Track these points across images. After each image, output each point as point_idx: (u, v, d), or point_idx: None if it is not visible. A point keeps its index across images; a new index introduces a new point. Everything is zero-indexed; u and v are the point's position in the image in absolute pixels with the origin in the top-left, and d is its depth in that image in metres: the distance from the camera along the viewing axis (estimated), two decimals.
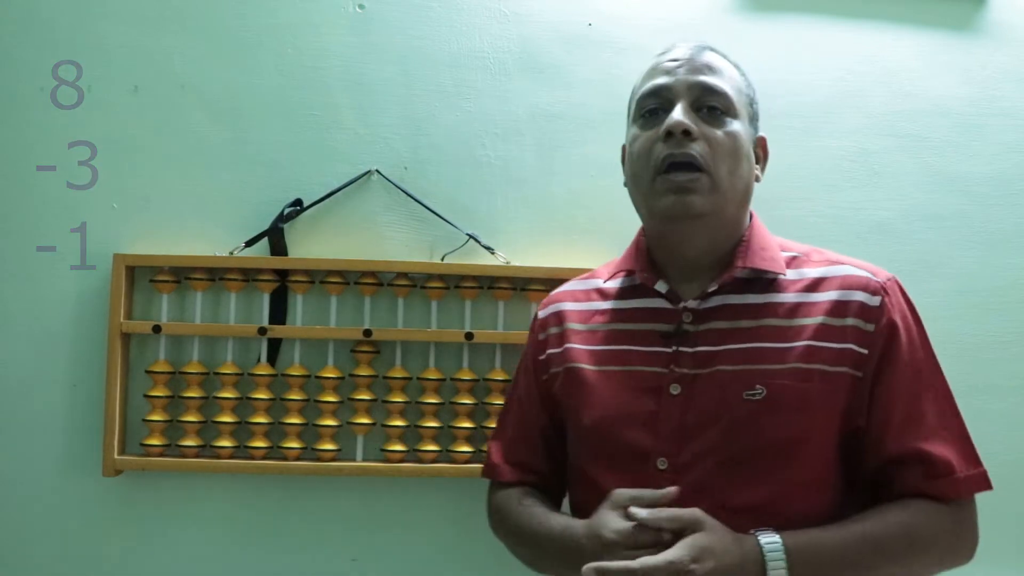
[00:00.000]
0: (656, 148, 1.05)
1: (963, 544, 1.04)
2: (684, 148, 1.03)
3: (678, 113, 1.04)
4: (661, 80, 1.07)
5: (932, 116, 1.55)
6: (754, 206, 1.47)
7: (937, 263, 1.54)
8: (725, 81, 1.07)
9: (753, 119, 1.11)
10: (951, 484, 1.01)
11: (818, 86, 1.54)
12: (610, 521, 0.97)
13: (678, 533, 0.93)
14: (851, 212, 1.54)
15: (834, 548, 0.96)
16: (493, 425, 1.38)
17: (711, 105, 1.05)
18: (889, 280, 1.07)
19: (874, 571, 0.98)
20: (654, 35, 1.51)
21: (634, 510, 0.95)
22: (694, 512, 0.95)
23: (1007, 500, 1.52)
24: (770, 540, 0.94)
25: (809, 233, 1.51)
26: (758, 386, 1.01)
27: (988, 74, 1.56)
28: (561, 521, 1.06)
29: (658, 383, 1.05)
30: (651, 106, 1.08)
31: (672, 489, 0.97)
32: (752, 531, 0.96)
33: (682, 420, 1.03)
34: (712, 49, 1.11)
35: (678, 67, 1.07)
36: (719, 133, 1.04)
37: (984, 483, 1.03)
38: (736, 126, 1.06)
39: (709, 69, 1.07)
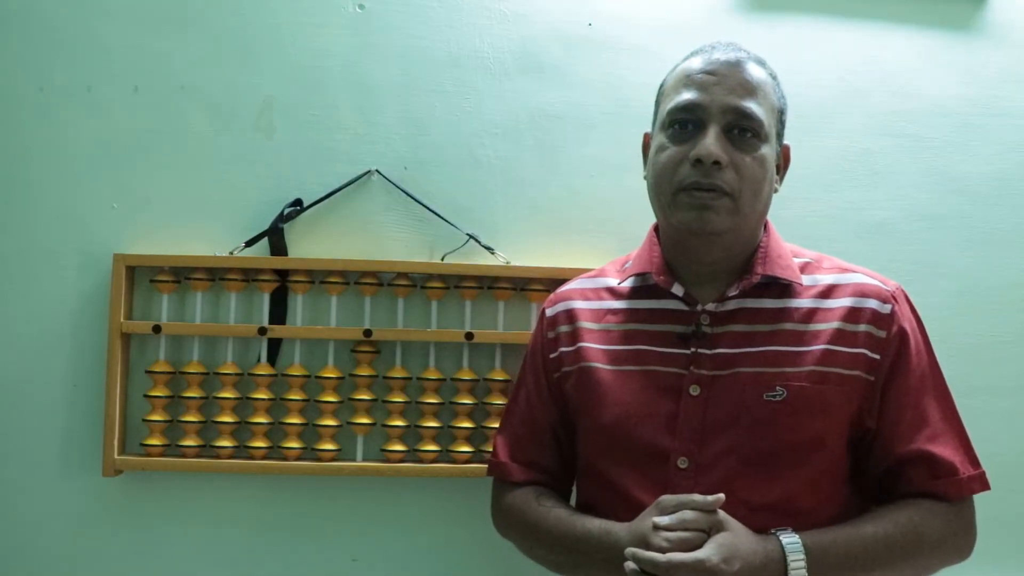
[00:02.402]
0: (683, 167, 1.06)
1: (965, 542, 1.08)
2: (711, 178, 1.04)
3: (711, 141, 1.04)
4: (696, 96, 1.06)
5: (932, 116, 1.55)
6: None
7: (937, 263, 1.54)
8: (760, 103, 1.07)
9: (781, 133, 1.12)
10: (955, 484, 1.06)
11: (818, 86, 1.54)
12: (662, 526, 0.97)
13: (710, 528, 0.97)
14: (851, 212, 1.54)
15: (849, 547, 1.00)
16: (493, 425, 1.38)
17: (743, 128, 1.06)
18: (897, 289, 1.11)
19: (885, 568, 1.02)
20: (654, 35, 1.51)
21: (657, 519, 0.98)
22: (716, 515, 0.98)
23: (1007, 500, 1.52)
24: (790, 540, 0.98)
25: (809, 233, 1.51)
26: (778, 388, 1.05)
27: (988, 74, 1.56)
28: (598, 524, 1.07)
29: (677, 383, 1.08)
30: (682, 119, 1.07)
31: (719, 496, 0.98)
32: (772, 531, 1.00)
33: (703, 420, 1.06)
34: (753, 60, 1.10)
35: (715, 83, 1.06)
36: (748, 160, 1.06)
37: (984, 483, 1.08)
38: (764, 150, 1.08)
39: (746, 90, 1.06)
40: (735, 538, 0.96)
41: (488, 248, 1.47)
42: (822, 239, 1.51)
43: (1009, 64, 1.57)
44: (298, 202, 1.46)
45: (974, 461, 1.08)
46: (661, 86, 1.15)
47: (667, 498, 1.00)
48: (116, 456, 1.39)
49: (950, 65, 1.56)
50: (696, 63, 1.09)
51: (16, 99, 1.45)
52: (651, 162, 1.12)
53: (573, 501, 1.22)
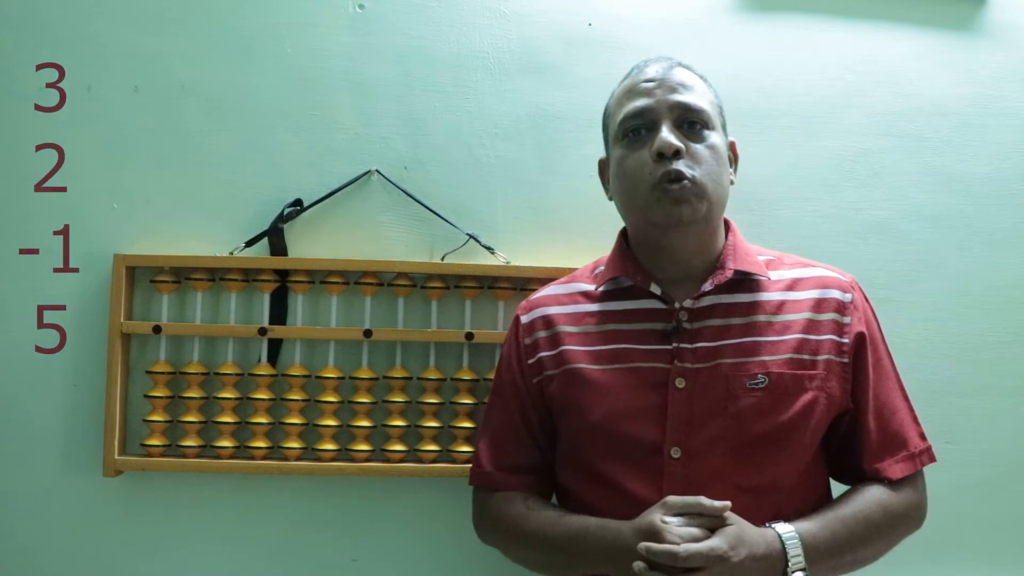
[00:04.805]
0: (647, 167, 1.12)
1: (919, 512, 1.18)
2: (674, 166, 1.11)
3: (666, 134, 1.12)
4: (642, 102, 1.15)
5: (932, 116, 1.55)
6: (755, 206, 1.49)
7: (937, 263, 1.54)
8: (700, 97, 1.16)
9: (724, 126, 1.19)
10: (910, 460, 1.16)
11: (818, 86, 1.54)
12: (669, 523, 1.03)
13: (712, 528, 1.03)
14: (851, 212, 1.53)
15: (834, 529, 1.08)
16: None
17: (691, 121, 1.14)
18: (853, 279, 1.21)
19: (865, 546, 1.11)
20: (654, 35, 1.51)
21: (667, 517, 1.03)
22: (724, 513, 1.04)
23: (1007, 500, 1.53)
24: (787, 531, 1.05)
25: (809, 233, 1.52)
26: (760, 376, 1.11)
27: (988, 74, 1.56)
28: (594, 521, 1.11)
29: (663, 378, 1.12)
30: (635, 126, 1.15)
31: (726, 503, 1.04)
32: (768, 524, 1.06)
33: (690, 411, 1.11)
34: (681, 65, 1.18)
35: (655, 87, 1.15)
36: (702, 147, 1.13)
37: (931, 456, 1.18)
38: (715, 138, 1.15)
39: (684, 87, 1.15)
40: (739, 530, 1.02)
41: (488, 248, 1.47)
42: (822, 239, 1.51)
43: (1009, 64, 1.57)
44: (298, 202, 1.46)
45: (922, 435, 1.18)
46: (605, 111, 1.24)
47: (673, 499, 1.04)
48: (116, 456, 1.39)
49: (950, 65, 1.56)
50: (633, 78, 1.19)
51: (17, 99, 1.45)
52: (614, 175, 1.20)
53: (554, 500, 1.24)
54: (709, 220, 1.15)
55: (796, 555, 1.03)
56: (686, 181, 1.10)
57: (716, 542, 1.00)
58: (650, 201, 1.12)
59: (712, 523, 1.03)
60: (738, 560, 1.00)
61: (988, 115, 1.56)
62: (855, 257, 1.51)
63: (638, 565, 1.00)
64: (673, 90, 1.14)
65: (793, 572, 1.03)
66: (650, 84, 1.15)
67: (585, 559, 1.09)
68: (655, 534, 1.01)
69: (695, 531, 1.01)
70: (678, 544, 0.99)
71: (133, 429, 1.44)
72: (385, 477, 1.43)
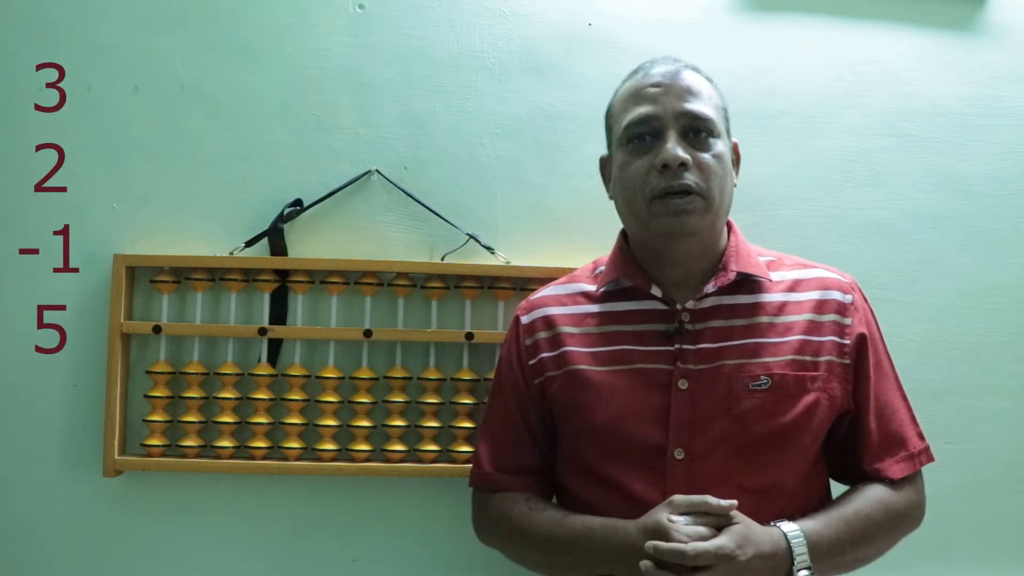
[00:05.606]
0: (651, 177, 1.11)
1: (919, 512, 1.18)
2: (680, 180, 1.10)
3: (672, 146, 1.10)
4: (648, 109, 1.13)
5: (932, 116, 1.55)
6: (755, 206, 1.49)
7: (937, 263, 1.54)
8: (707, 103, 1.14)
9: (728, 129, 1.18)
10: (909, 460, 1.16)
11: (818, 86, 1.54)
12: (676, 522, 1.03)
13: (718, 527, 1.04)
14: (851, 212, 1.54)
15: (838, 528, 1.08)
16: None
17: (697, 129, 1.12)
18: (853, 280, 1.21)
19: (867, 544, 1.11)
20: (654, 35, 1.51)
21: (674, 516, 1.03)
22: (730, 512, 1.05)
23: (1007, 500, 1.53)
24: (792, 530, 1.05)
25: (809, 233, 1.52)
26: (762, 377, 1.11)
27: (988, 74, 1.56)
28: (599, 521, 1.10)
29: (665, 379, 1.12)
30: (639, 132, 1.13)
31: (732, 502, 1.04)
32: (773, 523, 1.07)
33: (692, 413, 1.11)
34: (688, 67, 1.16)
35: (662, 93, 1.13)
36: (708, 157, 1.12)
37: (929, 456, 1.19)
38: (720, 146, 1.13)
39: (691, 93, 1.13)
40: (746, 529, 1.03)
41: (488, 248, 1.47)
42: (822, 239, 1.52)
43: (1009, 64, 1.57)
44: (298, 202, 1.46)
45: (921, 435, 1.19)
46: (609, 109, 1.21)
47: (679, 498, 1.05)
48: (116, 456, 1.39)
49: (950, 65, 1.56)
50: (639, 80, 1.16)
51: (17, 99, 1.45)
52: (616, 180, 1.18)
53: (554, 500, 1.24)
54: (712, 228, 1.15)
55: (802, 553, 1.03)
56: (694, 195, 1.10)
57: (723, 541, 1.00)
58: (651, 213, 1.12)
59: (718, 522, 1.03)
60: (745, 559, 1.00)
61: (988, 115, 1.56)
62: (855, 257, 1.51)
63: (645, 564, 1.00)
64: (680, 97, 1.12)
65: (798, 571, 1.03)
66: (656, 90, 1.13)
67: (590, 559, 1.09)
68: (662, 533, 1.01)
69: (702, 530, 1.02)
70: (686, 543, 0.99)
71: (133, 429, 1.44)
72: (385, 477, 1.43)
